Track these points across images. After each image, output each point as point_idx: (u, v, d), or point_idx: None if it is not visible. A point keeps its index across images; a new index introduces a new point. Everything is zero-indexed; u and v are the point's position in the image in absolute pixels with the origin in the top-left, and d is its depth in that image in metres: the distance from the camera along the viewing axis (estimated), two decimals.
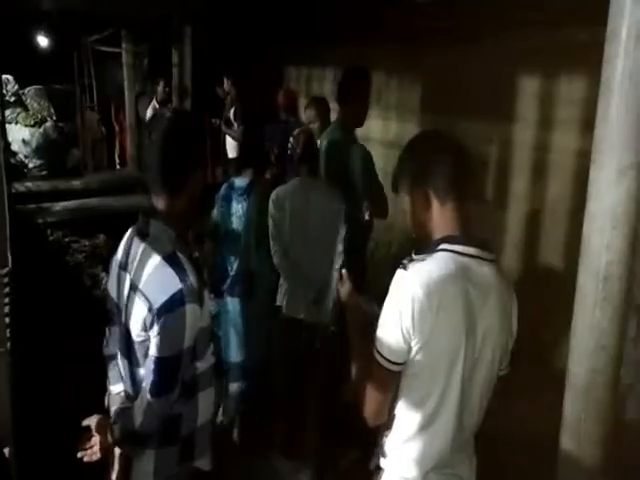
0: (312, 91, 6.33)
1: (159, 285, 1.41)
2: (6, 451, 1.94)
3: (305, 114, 4.04)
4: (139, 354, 1.50)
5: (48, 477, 2.46)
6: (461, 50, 4.03)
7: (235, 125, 5.92)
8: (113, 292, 1.61)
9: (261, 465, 2.95)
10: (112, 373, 1.71)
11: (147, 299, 1.42)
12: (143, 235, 1.51)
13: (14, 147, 7.83)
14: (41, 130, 8.22)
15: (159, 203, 1.52)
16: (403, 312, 1.28)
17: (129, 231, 1.60)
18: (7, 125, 7.43)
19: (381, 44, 4.82)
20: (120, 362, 1.62)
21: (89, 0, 5.57)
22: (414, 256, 1.37)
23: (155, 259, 1.44)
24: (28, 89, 8.77)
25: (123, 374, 1.62)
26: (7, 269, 2.87)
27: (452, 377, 1.32)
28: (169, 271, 1.41)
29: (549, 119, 3.67)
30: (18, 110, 8.44)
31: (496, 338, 1.36)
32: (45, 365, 3.22)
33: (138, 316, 1.44)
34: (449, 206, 1.38)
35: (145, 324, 1.42)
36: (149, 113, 6.33)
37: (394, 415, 1.39)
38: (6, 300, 2.54)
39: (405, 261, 1.35)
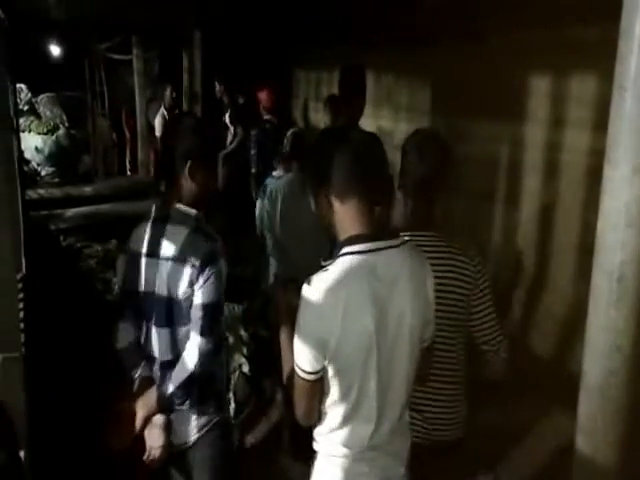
0: (322, 94, 6.34)
1: (195, 248, 1.67)
2: (21, 455, 1.95)
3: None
4: (184, 310, 1.70)
5: None
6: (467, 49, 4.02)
7: (231, 128, 6.12)
8: (137, 281, 1.77)
9: (270, 467, 2.95)
10: (133, 358, 1.85)
11: (188, 260, 1.67)
12: (164, 220, 1.74)
13: (27, 155, 7.91)
14: (53, 138, 8.30)
15: (167, 192, 1.77)
16: (312, 324, 1.33)
17: (144, 224, 1.78)
18: (21, 133, 7.51)
19: (390, 45, 4.82)
20: (157, 336, 1.77)
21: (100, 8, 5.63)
22: (322, 263, 1.39)
23: (184, 231, 1.69)
24: (41, 97, 8.86)
25: (162, 345, 1.78)
26: (21, 274, 2.91)
27: (368, 370, 1.36)
28: (201, 237, 1.69)
29: (558, 118, 3.64)
30: (31, 118, 8.53)
31: (411, 317, 1.39)
32: (58, 369, 3.24)
33: (184, 278, 1.68)
34: (350, 205, 1.38)
35: (191, 280, 1.67)
36: (158, 119, 6.38)
37: (321, 411, 1.44)
38: (20, 305, 2.57)
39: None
